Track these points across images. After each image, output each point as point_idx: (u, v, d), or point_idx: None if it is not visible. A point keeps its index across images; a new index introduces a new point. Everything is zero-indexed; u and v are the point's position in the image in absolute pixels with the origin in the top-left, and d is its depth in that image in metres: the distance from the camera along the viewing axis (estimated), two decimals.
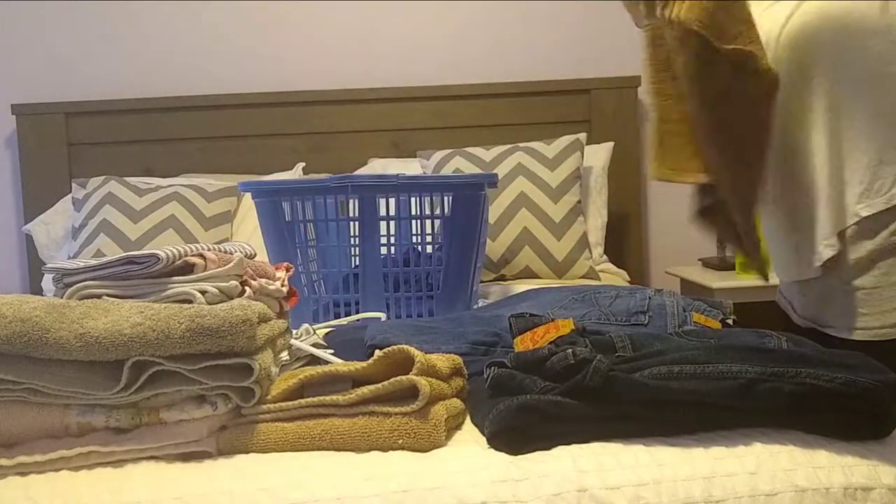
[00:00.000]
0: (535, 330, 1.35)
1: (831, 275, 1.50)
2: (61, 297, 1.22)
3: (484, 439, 1.15)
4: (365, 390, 1.15)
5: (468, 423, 1.22)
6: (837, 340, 1.48)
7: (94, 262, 1.23)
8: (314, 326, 1.62)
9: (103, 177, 2.86)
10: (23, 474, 1.10)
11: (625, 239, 3.10)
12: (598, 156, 2.99)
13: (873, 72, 1.43)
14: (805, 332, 1.55)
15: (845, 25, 1.44)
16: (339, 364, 1.24)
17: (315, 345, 1.45)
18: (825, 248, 1.49)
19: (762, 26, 1.56)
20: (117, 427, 1.14)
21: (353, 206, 1.91)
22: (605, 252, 2.90)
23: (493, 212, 2.69)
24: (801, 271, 1.55)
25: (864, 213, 1.44)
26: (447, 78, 3.15)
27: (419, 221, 2.06)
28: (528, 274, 2.70)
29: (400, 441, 1.13)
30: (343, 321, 1.83)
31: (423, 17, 3.17)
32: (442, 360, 1.22)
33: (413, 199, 2.01)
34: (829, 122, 1.47)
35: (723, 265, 2.89)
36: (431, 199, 2.02)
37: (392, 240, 2.00)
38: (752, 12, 1.48)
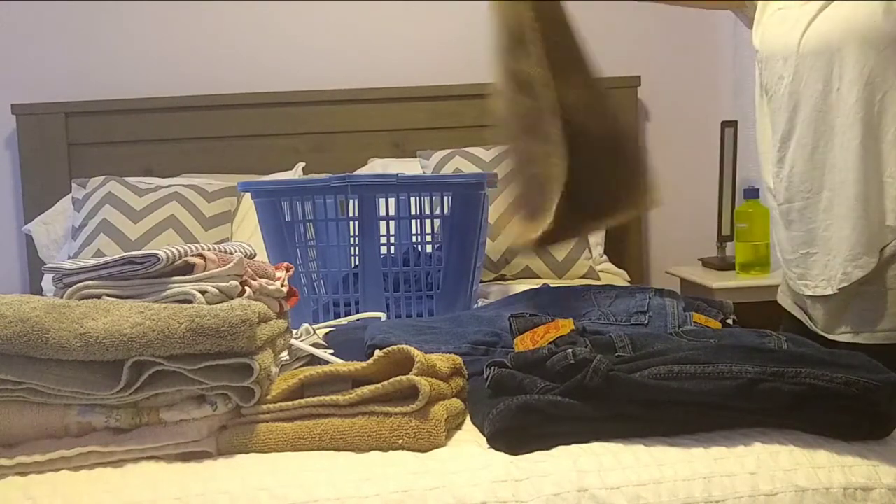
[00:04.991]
0: (535, 330, 1.35)
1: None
2: (61, 297, 1.22)
3: (484, 439, 1.15)
4: (365, 390, 1.15)
5: (468, 423, 1.22)
6: (851, 346, 1.46)
7: (94, 262, 1.23)
8: (314, 326, 1.61)
9: (103, 177, 2.86)
10: (23, 474, 1.10)
11: (625, 239, 3.10)
12: None
13: None
14: (808, 334, 1.54)
15: (868, 40, 1.42)
16: (339, 364, 1.24)
17: (315, 345, 1.45)
18: (855, 269, 1.47)
19: (772, 29, 1.54)
20: (117, 427, 1.14)
21: (353, 206, 1.91)
22: (605, 252, 2.90)
23: (493, 212, 2.69)
24: (817, 287, 1.54)
25: None
26: (447, 78, 3.14)
27: (419, 221, 2.06)
28: (528, 274, 2.70)
29: (400, 441, 1.13)
30: (343, 321, 1.83)
31: (423, 16, 3.16)
32: (442, 360, 1.22)
33: (413, 199, 2.01)
34: (863, 138, 1.44)
35: (723, 265, 2.89)
36: (431, 199, 2.02)
37: (392, 239, 2.00)
38: (761, 11, 1.48)
